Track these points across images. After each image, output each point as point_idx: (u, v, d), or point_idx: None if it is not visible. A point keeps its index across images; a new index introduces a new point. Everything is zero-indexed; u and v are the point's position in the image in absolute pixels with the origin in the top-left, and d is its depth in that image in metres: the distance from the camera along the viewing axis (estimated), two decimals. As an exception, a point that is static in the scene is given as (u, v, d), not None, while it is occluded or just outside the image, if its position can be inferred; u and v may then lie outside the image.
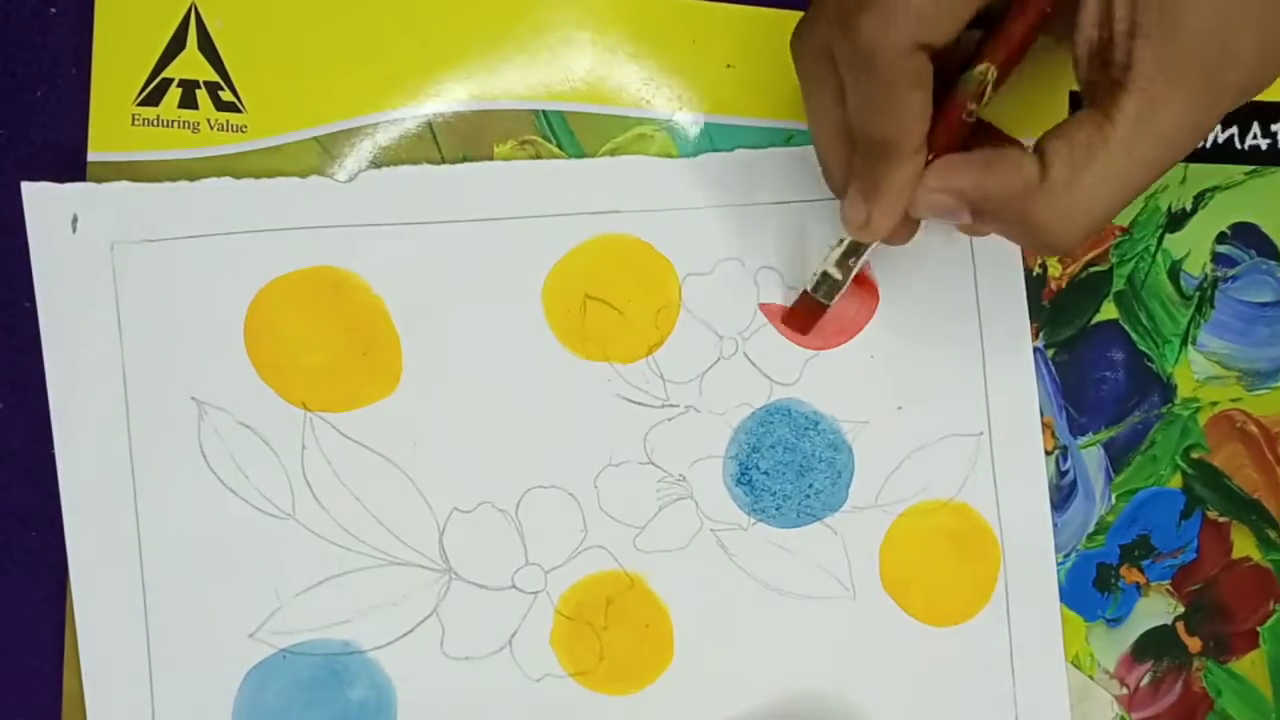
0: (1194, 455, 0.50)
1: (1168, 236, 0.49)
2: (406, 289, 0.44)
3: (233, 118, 0.44)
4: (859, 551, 0.47)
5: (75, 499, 0.43)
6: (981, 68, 0.38)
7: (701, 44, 0.46)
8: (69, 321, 0.43)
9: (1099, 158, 0.35)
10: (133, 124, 0.44)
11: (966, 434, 0.47)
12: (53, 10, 0.44)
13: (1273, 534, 0.50)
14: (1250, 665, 0.50)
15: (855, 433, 0.47)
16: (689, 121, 0.47)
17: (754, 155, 0.46)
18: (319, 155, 0.45)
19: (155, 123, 0.44)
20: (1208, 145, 0.49)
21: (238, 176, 0.44)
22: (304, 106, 0.44)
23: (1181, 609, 0.50)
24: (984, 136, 0.40)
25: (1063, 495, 0.49)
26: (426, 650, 0.45)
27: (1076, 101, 0.48)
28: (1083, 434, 0.49)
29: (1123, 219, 0.49)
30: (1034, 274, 0.48)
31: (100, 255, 0.43)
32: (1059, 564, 0.48)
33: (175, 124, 0.44)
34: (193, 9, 0.44)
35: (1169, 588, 0.50)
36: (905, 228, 0.41)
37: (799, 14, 0.45)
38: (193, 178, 0.43)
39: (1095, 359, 0.49)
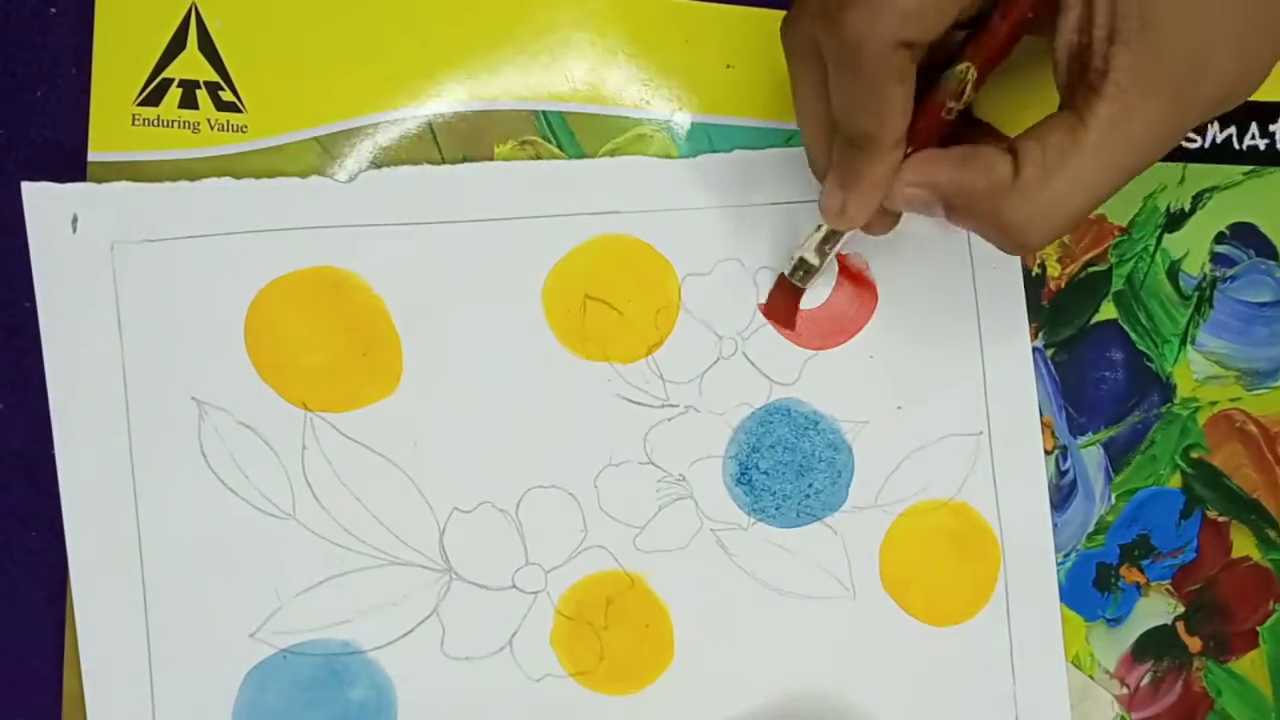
0: (1193, 455, 0.50)
1: (1166, 236, 0.49)
2: (407, 289, 0.44)
3: (233, 118, 0.44)
4: (859, 551, 0.47)
5: (75, 499, 0.43)
6: (962, 67, 0.38)
7: (701, 45, 0.47)
8: (69, 321, 0.43)
9: (1071, 161, 0.36)
10: (133, 124, 0.44)
11: (966, 434, 0.47)
12: (53, 10, 0.44)
13: (1272, 533, 0.50)
14: (1250, 665, 0.50)
15: (855, 432, 0.47)
16: (688, 122, 0.47)
17: (753, 156, 0.46)
18: (319, 155, 0.45)
19: (155, 123, 0.44)
20: (1206, 145, 0.49)
21: (238, 176, 0.44)
22: (304, 106, 0.44)
23: (1181, 609, 0.50)
24: (973, 133, 0.40)
25: (1063, 495, 0.49)
26: (427, 650, 0.45)
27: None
28: (1082, 434, 0.49)
29: (1122, 219, 0.49)
30: (1033, 274, 0.48)
31: (100, 255, 0.43)
32: (1059, 564, 0.48)
33: (175, 124, 0.44)
34: (193, 9, 0.44)
35: (1169, 587, 0.50)
36: (884, 219, 0.42)
37: (797, 14, 0.46)
38: (193, 178, 0.43)
39: (1095, 359, 0.49)
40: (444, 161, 0.45)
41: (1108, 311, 0.49)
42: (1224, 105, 0.37)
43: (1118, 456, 0.49)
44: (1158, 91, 0.35)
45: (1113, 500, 0.49)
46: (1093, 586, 0.49)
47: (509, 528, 0.45)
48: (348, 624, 0.44)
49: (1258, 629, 0.50)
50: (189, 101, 0.44)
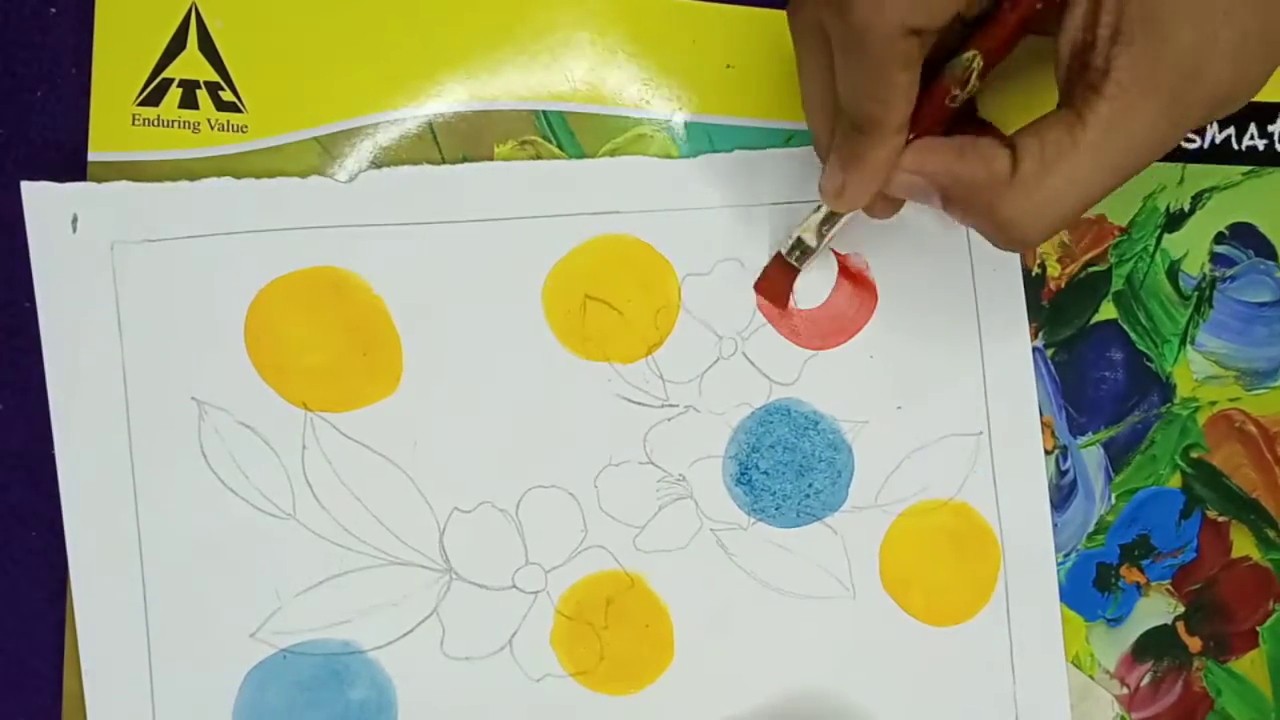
0: (1193, 455, 0.50)
1: (1166, 236, 0.49)
2: (407, 289, 0.44)
3: (233, 118, 0.44)
4: (859, 551, 0.47)
5: (75, 499, 0.43)
6: (968, 55, 0.38)
7: (701, 44, 0.46)
8: (69, 321, 0.43)
9: (1068, 158, 0.36)
10: (133, 124, 0.44)
11: (966, 434, 0.47)
12: (53, 10, 0.44)
13: (1272, 533, 0.50)
14: (1250, 665, 0.50)
15: (855, 432, 0.47)
16: (688, 122, 0.47)
17: (753, 156, 0.46)
18: (319, 155, 0.45)
19: (155, 123, 0.44)
20: (1205, 146, 0.49)
21: (238, 176, 0.44)
22: (304, 106, 0.44)
23: (1181, 609, 0.50)
24: (976, 130, 0.40)
25: (1063, 495, 0.49)
26: (427, 650, 0.45)
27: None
28: (1082, 434, 0.49)
29: (1121, 219, 0.49)
30: (1033, 274, 0.48)
31: (100, 255, 0.43)
32: (1059, 564, 0.48)
33: (175, 124, 0.44)
34: (193, 9, 0.44)
35: (1169, 587, 0.50)
36: (885, 203, 0.42)
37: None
38: (193, 178, 0.43)
39: (1094, 359, 0.49)
40: (444, 161, 0.45)
41: (1107, 311, 0.49)
42: (1220, 111, 0.37)
43: (1118, 456, 0.49)
44: (1157, 93, 0.35)
45: (1113, 500, 0.49)
46: (1093, 586, 0.49)
47: (509, 528, 0.45)
48: (348, 624, 0.44)
49: (1257, 629, 0.50)
50: (189, 101, 0.44)
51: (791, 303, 0.46)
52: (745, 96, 0.47)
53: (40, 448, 0.43)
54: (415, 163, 0.45)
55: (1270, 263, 0.50)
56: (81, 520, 0.43)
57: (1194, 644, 0.50)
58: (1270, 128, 0.50)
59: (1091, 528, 0.49)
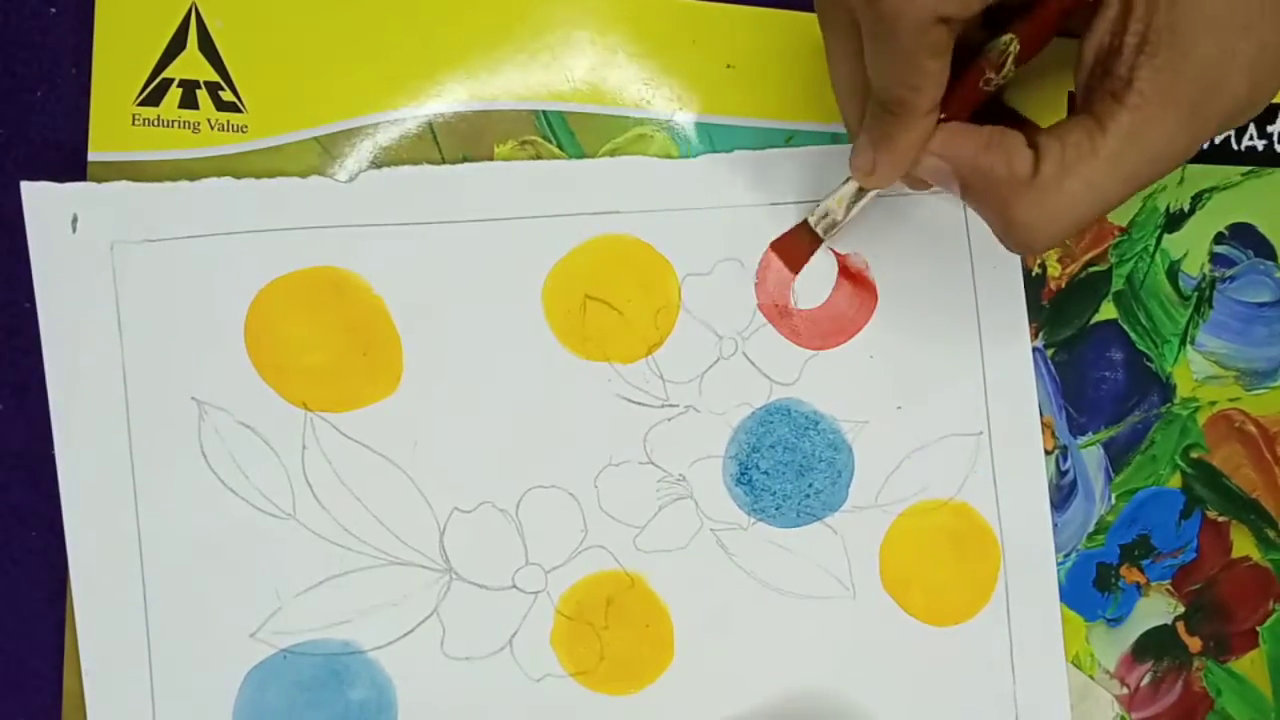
0: (1193, 455, 0.50)
1: (1166, 237, 0.49)
2: (407, 289, 0.44)
3: (233, 118, 0.44)
4: (859, 551, 0.47)
5: (75, 499, 0.43)
6: (1006, 38, 0.38)
7: (701, 44, 0.46)
8: (69, 321, 0.43)
9: (1087, 164, 0.36)
10: (133, 124, 0.44)
11: (966, 434, 0.47)
12: (53, 10, 0.44)
13: (1272, 533, 0.50)
14: (1250, 665, 0.50)
15: (855, 432, 0.47)
16: (688, 122, 0.47)
17: (754, 156, 0.46)
18: (319, 155, 0.44)
19: (155, 123, 0.44)
20: (1205, 146, 0.49)
21: (238, 176, 0.44)
22: (304, 106, 0.44)
23: (1181, 609, 0.50)
24: (1004, 119, 0.40)
25: (1063, 495, 0.49)
26: (427, 650, 0.45)
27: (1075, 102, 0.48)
28: (1082, 434, 0.49)
29: (1122, 219, 0.49)
30: (1033, 274, 0.48)
31: (100, 255, 0.43)
32: (1059, 564, 0.48)
33: (175, 124, 0.44)
34: (193, 9, 0.44)
35: (1169, 587, 0.50)
36: (917, 182, 0.42)
37: (799, 14, 0.46)
38: (193, 178, 0.43)
39: (1094, 359, 0.49)
40: (444, 161, 0.45)
41: (1108, 311, 0.49)
42: (1235, 121, 0.37)
43: (1118, 456, 0.49)
44: (1177, 106, 0.35)
45: (1113, 500, 0.49)
46: (1093, 586, 0.49)
47: (509, 528, 0.45)
48: (348, 624, 0.44)
49: (1257, 629, 0.50)
50: (189, 101, 0.44)
51: (792, 302, 0.46)
52: (746, 96, 0.47)
53: (40, 448, 0.43)
54: (415, 163, 0.45)
55: (1270, 263, 0.50)
56: (82, 520, 0.43)
57: (1194, 644, 0.50)
58: (1270, 128, 0.50)
59: (1091, 528, 0.49)
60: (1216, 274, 0.50)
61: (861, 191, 0.44)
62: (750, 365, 0.46)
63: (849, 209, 0.44)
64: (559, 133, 0.46)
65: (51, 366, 0.43)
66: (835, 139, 0.47)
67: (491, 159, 0.45)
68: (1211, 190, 0.50)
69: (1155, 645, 0.50)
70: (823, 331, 0.47)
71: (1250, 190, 0.50)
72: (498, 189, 0.45)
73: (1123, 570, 0.49)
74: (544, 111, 0.46)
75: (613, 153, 0.46)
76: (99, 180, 0.43)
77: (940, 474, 0.47)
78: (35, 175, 0.43)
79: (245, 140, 0.44)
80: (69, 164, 0.43)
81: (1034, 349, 0.48)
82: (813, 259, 0.46)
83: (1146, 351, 0.49)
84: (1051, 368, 0.49)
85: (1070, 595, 0.49)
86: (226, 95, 0.44)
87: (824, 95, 0.46)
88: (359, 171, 0.45)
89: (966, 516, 0.47)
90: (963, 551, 0.47)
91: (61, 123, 0.44)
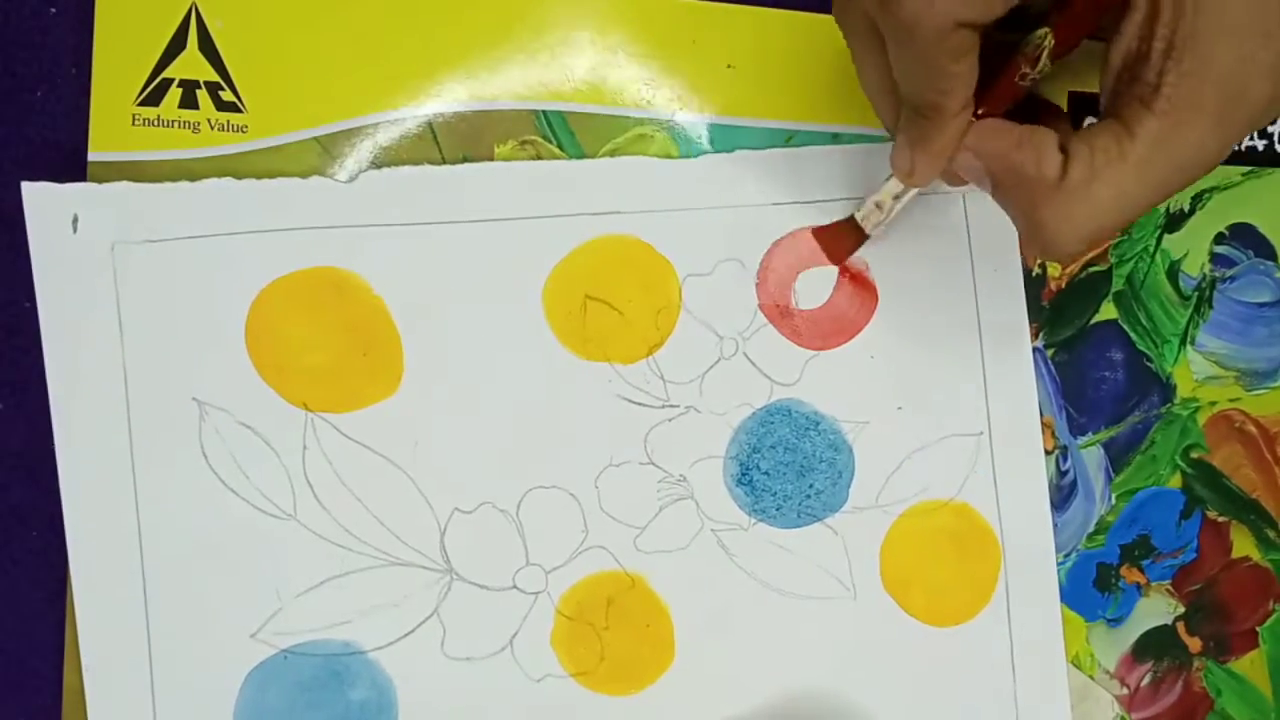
0: (1193, 455, 0.50)
1: (1166, 237, 0.49)
2: (408, 289, 0.44)
3: (233, 118, 0.44)
4: (859, 552, 0.47)
5: (76, 499, 0.43)
6: (1040, 31, 0.37)
7: (702, 44, 0.46)
8: (70, 322, 0.43)
9: (1115, 169, 0.36)
10: (133, 124, 0.43)
11: (966, 434, 0.47)
12: (53, 10, 0.44)
13: (1272, 534, 0.50)
14: (1250, 665, 0.50)
15: (855, 433, 0.47)
16: (689, 122, 0.47)
17: (755, 156, 0.46)
18: (319, 155, 0.44)
19: (155, 123, 0.44)
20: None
21: (238, 177, 0.44)
22: (304, 106, 0.44)
23: (1181, 609, 0.50)
24: (1044, 114, 0.40)
25: (1063, 495, 0.49)
26: (427, 651, 0.45)
27: (1076, 101, 0.48)
28: (1082, 434, 0.49)
29: (1122, 219, 0.49)
30: (1033, 274, 0.48)
31: (101, 255, 0.43)
32: (1059, 564, 0.48)
33: (175, 124, 0.44)
34: (193, 9, 0.44)
35: (1169, 588, 0.50)
36: (956, 176, 0.41)
37: (799, 14, 0.46)
38: (193, 178, 0.43)
39: (1095, 359, 0.49)
40: (444, 161, 0.45)
41: (1108, 312, 0.49)
42: (1257, 125, 0.37)
43: (1118, 457, 0.49)
44: (1203, 112, 0.35)
45: (1113, 500, 0.49)
46: (1093, 586, 0.49)
47: (510, 528, 0.45)
48: (348, 624, 0.44)
49: (1257, 629, 0.50)
50: (189, 101, 0.44)
51: (793, 302, 0.46)
52: (746, 96, 0.47)
53: (40, 447, 0.43)
54: (415, 163, 0.45)
55: (1270, 263, 0.50)
56: (82, 520, 0.43)
57: (1194, 644, 0.50)
58: (1270, 128, 0.50)
59: (1092, 528, 0.49)
60: (1217, 274, 0.50)
61: (904, 189, 0.43)
62: (751, 366, 0.46)
63: (894, 204, 0.44)
64: (559, 133, 0.46)
65: (52, 367, 0.43)
66: (835, 139, 0.47)
67: (491, 159, 0.45)
68: (1212, 190, 0.50)
69: (1155, 645, 0.50)
70: (823, 332, 0.47)
71: (1250, 190, 0.50)
72: (499, 189, 0.45)
73: (1123, 570, 0.49)
74: (544, 111, 0.46)
75: (613, 153, 0.46)
76: (99, 180, 0.43)
77: (941, 474, 0.47)
78: (35, 175, 0.43)
79: (245, 140, 0.44)
80: (69, 164, 0.43)
81: (1034, 349, 0.48)
82: (819, 261, 0.46)
83: (1147, 352, 0.49)
84: (1052, 368, 0.49)
85: (1070, 595, 0.49)
86: (226, 95, 0.44)
87: (824, 95, 0.46)
88: (359, 171, 0.45)
89: (967, 517, 0.48)
90: (963, 552, 0.47)
91: (61, 123, 0.44)
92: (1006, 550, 0.48)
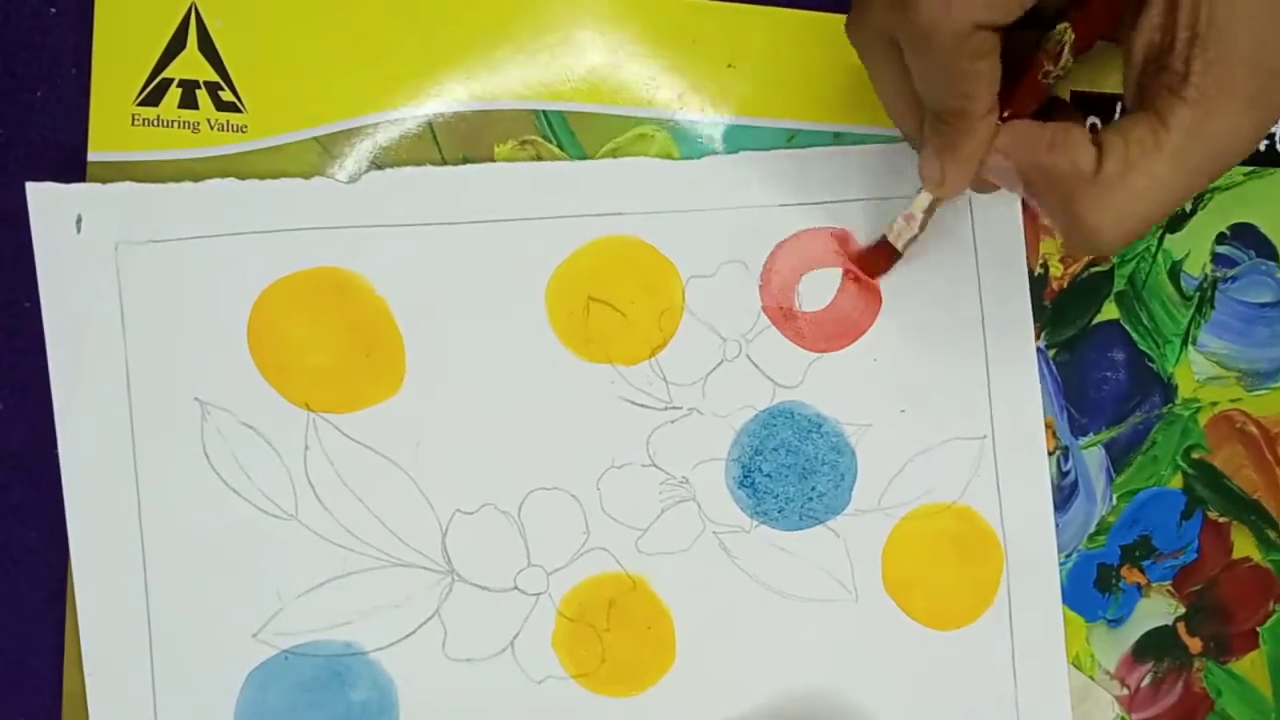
0: (1194, 455, 0.50)
1: (1168, 237, 0.49)
2: (410, 290, 0.44)
3: (233, 118, 0.44)
4: (861, 554, 0.47)
5: (78, 499, 0.43)
6: (1060, 27, 0.37)
7: (702, 44, 0.46)
8: (73, 322, 0.43)
9: (1152, 161, 0.35)
10: (133, 124, 0.43)
11: (970, 437, 0.47)
12: (53, 10, 0.44)
13: (1273, 534, 0.50)
14: (1250, 666, 0.50)
15: (858, 436, 0.47)
16: (690, 121, 0.46)
17: (758, 157, 0.46)
18: (319, 155, 0.44)
19: (155, 123, 0.44)
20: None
21: (238, 177, 0.44)
22: (304, 106, 0.44)
23: (1182, 609, 0.50)
24: (1060, 117, 0.39)
25: (1064, 496, 0.49)
26: (428, 652, 0.45)
27: (1080, 102, 0.48)
28: (1084, 434, 0.49)
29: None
30: (1035, 274, 0.48)
31: (104, 256, 0.43)
32: (1059, 564, 0.48)
33: (175, 124, 0.44)
34: (193, 9, 0.44)
35: (1170, 588, 0.50)
36: (985, 183, 0.41)
37: (801, 13, 0.46)
38: (193, 178, 0.43)
39: (1096, 359, 0.49)
40: (444, 161, 0.45)
41: (1109, 312, 0.49)
42: None
43: (1119, 457, 0.49)
44: (1235, 98, 0.35)
45: (1114, 501, 0.49)
46: (1093, 587, 0.49)
47: (511, 529, 0.45)
48: (349, 625, 0.44)
49: (1258, 630, 0.50)
50: (189, 101, 0.44)
51: (796, 305, 0.46)
52: (747, 96, 0.47)
53: (41, 447, 0.43)
54: (415, 163, 0.45)
55: (1271, 263, 0.50)
56: (84, 520, 0.43)
57: (1194, 645, 0.50)
58: (1272, 129, 0.50)
59: (1092, 528, 0.49)
60: (1218, 274, 0.50)
61: (935, 200, 0.43)
62: (754, 368, 0.46)
63: (924, 220, 0.44)
64: (559, 132, 0.46)
65: (55, 367, 0.43)
66: (838, 138, 0.47)
67: (492, 159, 0.45)
68: (1213, 190, 0.50)
69: (1156, 646, 0.50)
70: (827, 334, 0.47)
71: (1252, 190, 0.50)
72: (501, 190, 0.45)
73: (1123, 571, 0.49)
74: (544, 111, 0.46)
75: (613, 152, 0.46)
76: (99, 180, 0.43)
77: (943, 477, 0.47)
78: (35, 175, 0.43)
79: (245, 140, 0.44)
80: (69, 164, 0.43)
81: (1036, 349, 0.48)
82: (823, 262, 0.46)
83: (1148, 352, 0.49)
84: (1053, 368, 0.49)
85: (1071, 596, 0.49)
86: (226, 95, 0.44)
87: (826, 94, 0.46)
88: (359, 171, 0.44)
89: (969, 520, 0.47)
90: (965, 555, 0.47)
91: (61, 123, 0.44)
92: (1009, 554, 0.48)
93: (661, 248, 0.46)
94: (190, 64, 0.44)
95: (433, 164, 0.45)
